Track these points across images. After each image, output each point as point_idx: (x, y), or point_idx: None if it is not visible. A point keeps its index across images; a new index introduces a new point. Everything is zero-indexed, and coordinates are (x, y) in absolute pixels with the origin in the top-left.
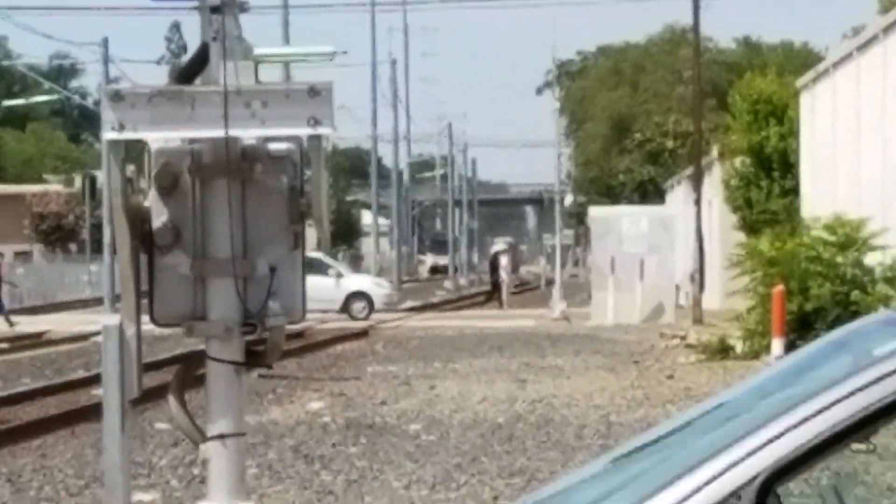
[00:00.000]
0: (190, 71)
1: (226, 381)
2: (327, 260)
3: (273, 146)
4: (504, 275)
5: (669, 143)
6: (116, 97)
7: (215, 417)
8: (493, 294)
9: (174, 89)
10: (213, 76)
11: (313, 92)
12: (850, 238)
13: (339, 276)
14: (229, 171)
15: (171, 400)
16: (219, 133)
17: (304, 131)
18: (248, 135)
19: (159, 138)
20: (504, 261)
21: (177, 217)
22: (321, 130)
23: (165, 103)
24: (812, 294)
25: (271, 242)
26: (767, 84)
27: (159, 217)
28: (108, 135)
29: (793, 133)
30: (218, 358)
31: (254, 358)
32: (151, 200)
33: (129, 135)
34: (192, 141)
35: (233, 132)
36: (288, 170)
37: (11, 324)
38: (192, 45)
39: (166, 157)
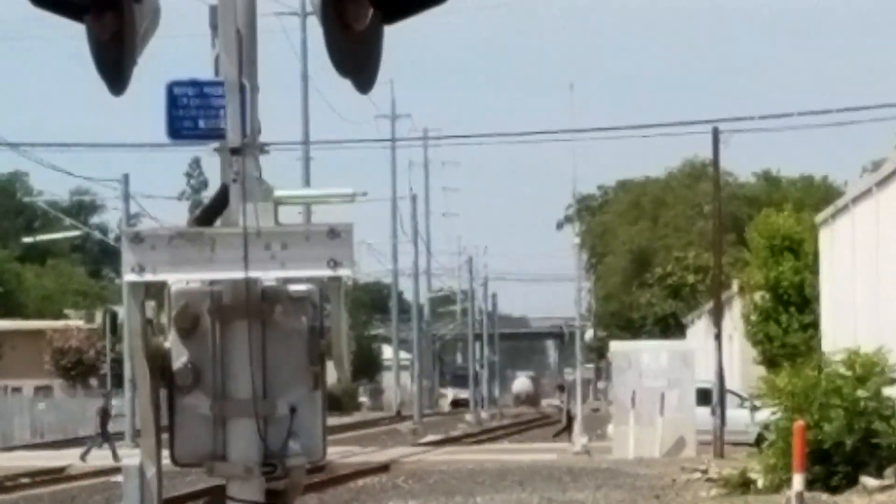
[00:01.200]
0: (210, 212)
1: None
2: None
3: (293, 287)
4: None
5: (690, 278)
6: (136, 239)
7: None
8: (568, 427)
9: (194, 231)
10: (233, 217)
11: (333, 234)
12: (868, 371)
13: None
14: (249, 312)
15: None
16: (239, 275)
17: (323, 273)
18: (268, 276)
19: (179, 280)
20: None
21: (197, 358)
22: (341, 272)
23: (185, 245)
24: (832, 427)
25: (291, 383)
26: (784, 220)
27: (179, 358)
28: (129, 277)
29: (808, 267)
30: (238, 498)
31: (274, 497)
32: (172, 341)
33: (149, 277)
34: (213, 282)
35: (253, 274)
36: (308, 311)
37: (117, 458)
38: (213, 180)
39: (186, 299)
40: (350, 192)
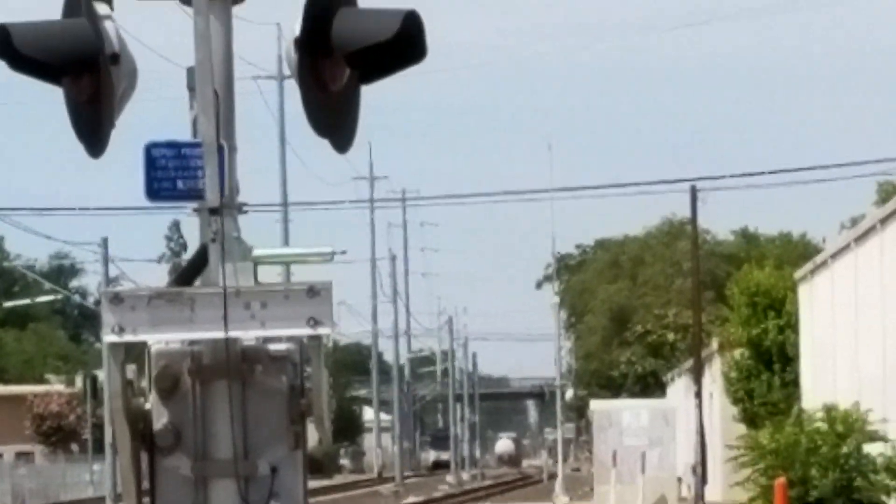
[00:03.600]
0: (189, 272)
1: None
2: None
3: (273, 346)
4: None
5: (670, 336)
6: (116, 300)
7: None
8: None
9: (173, 291)
10: (212, 277)
11: (312, 292)
12: (848, 427)
13: None
14: (230, 372)
15: None
16: (219, 334)
17: (303, 332)
18: (247, 335)
19: (159, 340)
20: None
21: (177, 418)
22: (321, 330)
23: (165, 305)
24: (814, 484)
25: (272, 443)
26: (765, 277)
27: (160, 419)
28: (108, 337)
29: (791, 325)
30: None
31: None
32: (152, 402)
33: (128, 337)
34: (193, 342)
35: (233, 333)
36: (288, 370)
37: None
38: (192, 243)
39: (166, 360)
40: (329, 251)
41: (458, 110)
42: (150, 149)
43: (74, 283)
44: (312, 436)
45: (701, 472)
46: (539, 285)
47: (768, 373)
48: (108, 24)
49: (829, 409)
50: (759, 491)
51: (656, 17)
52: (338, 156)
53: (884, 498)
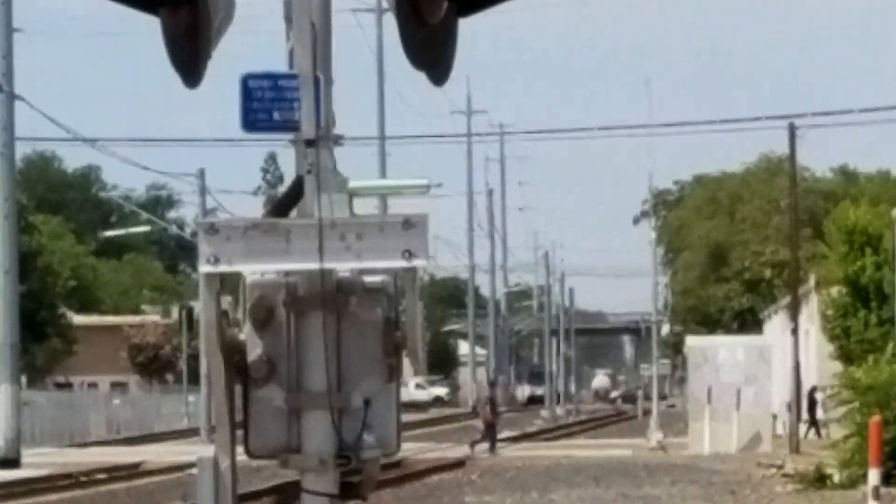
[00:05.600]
0: (285, 204)
1: None
2: None
3: (368, 278)
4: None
5: (767, 273)
6: (212, 231)
7: None
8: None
9: (269, 222)
10: (308, 209)
11: (408, 224)
12: None
13: None
14: (324, 303)
15: None
16: (314, 266)
17: (398, 264)
18: (343, 267)
19: (254, 271)
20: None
21: (272, 350)
22: (416, 263)
23: (260, 236)
24: None
25: (366, 375)
26: (862, 214)
27: (254, 350)
28: (204, 268)
29: (888, 262)
30: (313, 490)
31: (349, 490)
32: (247, 333)
33: (224, 268)
34: (288, 273)
35: (328, 265)
36: (383, 302)
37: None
38: (289, 175)
39: (261, 290)
40: (425, 183)
41: (557, 44)
42: (246, 80)
43: (171, 215)
44: (409, 370)
45: (796, 409)
46: (636, 221)
47: (865, 310)
48: None
49: None
50: (855, 428)
51: None
52: (435, 89)
53: None
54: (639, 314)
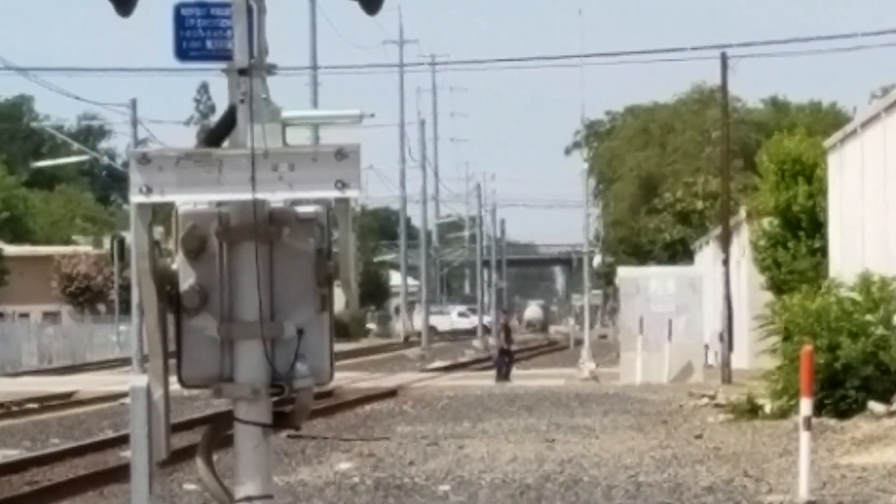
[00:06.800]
0: (217, 134)
1: (253, 443)
2: None
3: (301, 209)
4: None
5: (698, 204)
6: (144, 160)
7: (243, 479)
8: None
9: (201, 152)
10: (240, 139)
11: (341, 154)
12: (879, 298)
13: None
14: (257, 233)
15: (199, 461)
16: (246, 196)
17: (331, 194)
18: (275, 198)
19: (187, 201)
20: None
21: (204, 280)
22: (349, 193)
23: (193, 166)
24: (841, 353)
25: (299, 305)
26: (795, 144)
27: (187, 280)
28: (136, 198)
29: (821, 192)
30: (246, 420)
31: (282, 419)
32: (179, 263)
33: (156, 198)
34: (220, 204)
35: (260, 195)
36: (315, 232)
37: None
38: (221, 106)
39: (193, 221)
40: (358, 113)
41: None
42: (179, 8)
43: (103, 145)
44: (340, 301)
45: (727, 339)
46: (568, 152)
47: (795, 241)
48: None
49: (865, 276)
50: (785, 358)
51: None
52: (367, 19)
53: None
54: (570, 245)
